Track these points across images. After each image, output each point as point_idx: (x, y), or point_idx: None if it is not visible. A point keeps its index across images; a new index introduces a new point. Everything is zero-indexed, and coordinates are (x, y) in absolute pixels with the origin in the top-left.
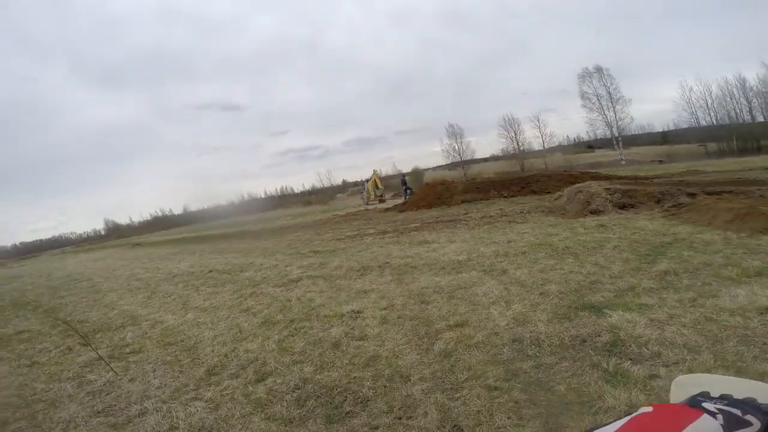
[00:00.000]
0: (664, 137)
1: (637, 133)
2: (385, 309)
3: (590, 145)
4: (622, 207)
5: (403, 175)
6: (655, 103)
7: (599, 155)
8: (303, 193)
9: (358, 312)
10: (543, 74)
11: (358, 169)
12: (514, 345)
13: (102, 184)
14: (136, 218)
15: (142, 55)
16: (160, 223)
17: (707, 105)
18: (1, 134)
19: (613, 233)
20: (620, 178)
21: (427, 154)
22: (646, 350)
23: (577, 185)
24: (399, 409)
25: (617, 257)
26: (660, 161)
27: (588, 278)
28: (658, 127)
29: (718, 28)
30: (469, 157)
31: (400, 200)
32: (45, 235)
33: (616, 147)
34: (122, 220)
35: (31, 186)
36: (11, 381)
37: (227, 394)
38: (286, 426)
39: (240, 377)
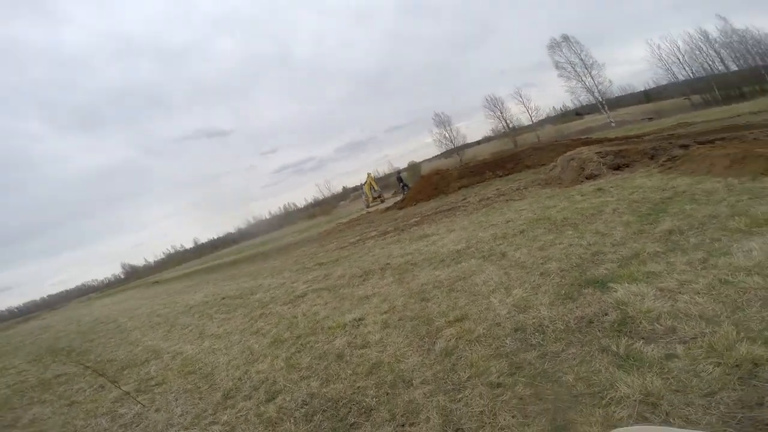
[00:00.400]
0: (647, 95)
1: (620, 95)
2: (386, 313)
3: (578, 113)
4: (617, 168)
5: (398, 171)
6: (629, 64)
7: (589, 121)
8: (306, 207)
9: (360, 319)
10: (516, 50)
11: (355, 173)
12: (517, 335)
13: (112, 230)
14: (151, 258)
15: (110, 95)
16: (174, 259)
17: (679, 60)
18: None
19: (611, 196)
20: (611, 140)
21: (421, 146)
22: (658, 326)
23: (569, 153)
24: (401, 416)
25: (618, 221)
26: (650, 119)
27: (589, 249)
28: (639, 87)
29: None
30: (461, 143)
31: (399, 197)
32: (69, 285)
33: (603, 111)
34: (138, 261)
35: (45, 242)
36: (55, 420)
37: (241, 416)
38: None
39: (252, 398)
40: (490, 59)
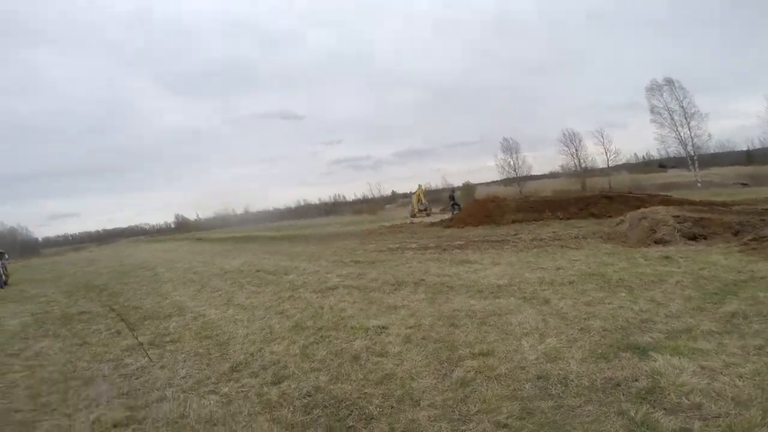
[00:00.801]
0: (749, 156)
1: (716, 151)
2: (411, 328)
3: (662, 164)
4: (693, 238)
5: (452, 189)
6: (737, 118)
7: (672, 175)
8: (354, 202)
9: (383, 327)
10: (606, 87)
11: (406, 180)
12: (539, 382)
13: (175, 182)
14: (202, 215)
15: (210, 67)
16: (222, 221)
17: None
18: (95, 132)
19: (677, 267)
20: (693, 203)
21: (480, 169)
22: (685, 400)
23: (642, 210)
24: None
25: (678, 294)
26: (744, 184)
27: (639, 315)
28: (742, 145)
29: None
30: (525, 173)
31: (447, 215)
32: (123, 224)
33: (691, 167)
34: (190, 216)
35: (114, 179)
36: (59, 358)
37: (242, 391)
38: (286, 430)
39: (258, 377)
40: (575, 91)
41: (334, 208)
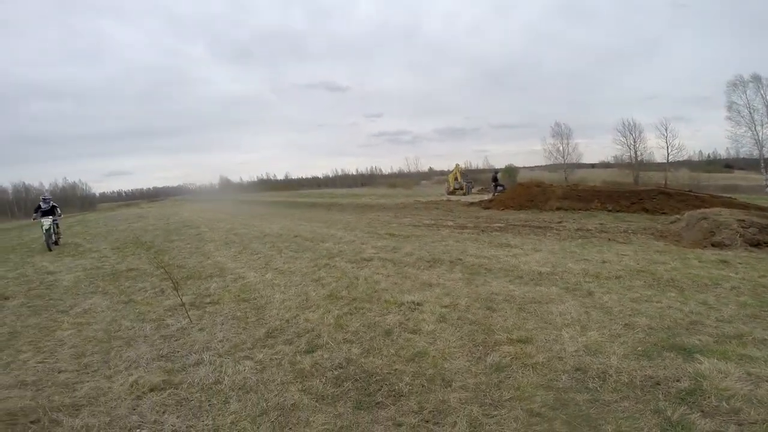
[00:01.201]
0: None
1: None
2: (446, 307)
3: (728, 165)
4: (756, 244)
5: (496, 170)
6: None
7: (738, 177)
8: (390, 176)
9: (418, 304)
10: (677, 78)
11: (445, 158)
12: (576, 374)
13: (222, 146)
14: (246, 178)
15: (263, 35)
16: (264, 186)
17: None
18: (151, 96)
19: (735, 272)
20: (762, 209)
21: (525, 152)
22: (725, 405)
23: (703, 210)
24: (429, 412)
25: (733, 299)
26: None
27: (688, 317)
28: None
29: None
30: (574, 161)
31: (487, 196)
32: (172, 183)
33: (762, 170)
34: (234, 178)
35: (165, 141)
36: (106, 316)
37: (276, 359)
38: (317, 402)
39: (293, 344)
40: (642, 80)
41: (370, 179)
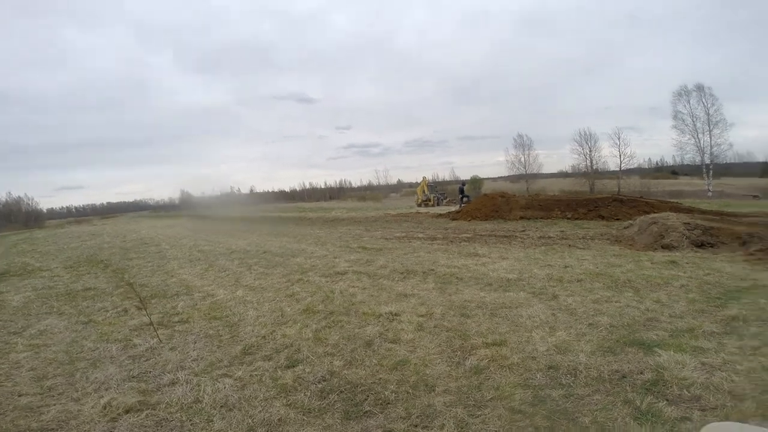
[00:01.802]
0: (765, 169)
1: (732, 161)
2: (423, 316)
3: (674, 171)
4: (700, 245)
5: (462, 182)
6: (760, 128)
7: (683, 182)
8: (359, 189)
9: (395, 314)
10: (631, 88)
11: (415, 170)
12: (549, 372)
13: (184, 159)
14: (208, 194)
15: (231, 46)
16: (229, 200)
17: None
18: (112, 107)
19: (683, 271)
20: (704, 212)
21: (489, 164)
22: (686, 393)
23: (653, 215)
24: (417, 417)
25: (682, 296)
26: (755, 196)
27: (645, 314)
28: (760, 157)
29: None
30: (535, 171)
31: (455, 208)
32: (129, 198)
33: (705, 176)
34: (196, 193)
35: (122, 153)
36: (64, 337)
37: (256, 375)
38: (304, 415)
39: (272, 360)
40: (597, 92)
41: (339, 192)
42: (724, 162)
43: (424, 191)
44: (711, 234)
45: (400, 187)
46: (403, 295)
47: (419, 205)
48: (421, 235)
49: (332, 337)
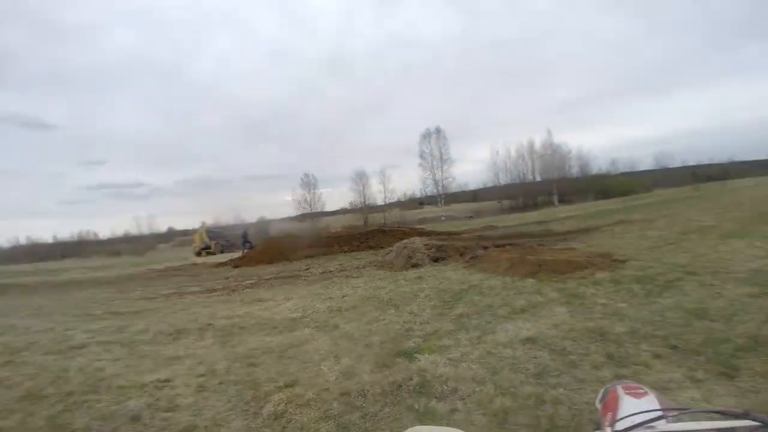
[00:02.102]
0: (475, 195)
1: (456, 191)
2: (202, 376)
3: (421, 202)
4: (436, 260)
5: (246, 226)
6: (473, 163)
7: (426, 211)
8: (111, 241)
9: (166, 381)
10: (397, 129)
11: (191, 215)
12: (343, 398)
13: None
14: None
15: None
16: None
17: (506, 166)
18: None
19: (426, 284)
20: (439, 233)
21: (278, 204)
22: (446, 387)
23: (404, 241)
24: None
25: (427, 305)
26: (470, 217)
27: (404, 326)
28: (472, 186)
29: (527, 95)
30: (319, 209)
31: (238, 254)
32: None
33: (439, 204)
34: None
35: None
36: None
37: None
38: None
39: None
40: (375, 132)
41: (77, 248)
42: (452, 191)
43: (202, 238)
44: (442, 250)
45: (171, 236)
46: (174, 357)
47: (198, 254)
48: (196, 289)
49: (79, 421)
